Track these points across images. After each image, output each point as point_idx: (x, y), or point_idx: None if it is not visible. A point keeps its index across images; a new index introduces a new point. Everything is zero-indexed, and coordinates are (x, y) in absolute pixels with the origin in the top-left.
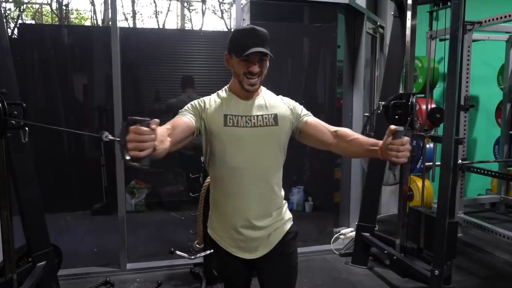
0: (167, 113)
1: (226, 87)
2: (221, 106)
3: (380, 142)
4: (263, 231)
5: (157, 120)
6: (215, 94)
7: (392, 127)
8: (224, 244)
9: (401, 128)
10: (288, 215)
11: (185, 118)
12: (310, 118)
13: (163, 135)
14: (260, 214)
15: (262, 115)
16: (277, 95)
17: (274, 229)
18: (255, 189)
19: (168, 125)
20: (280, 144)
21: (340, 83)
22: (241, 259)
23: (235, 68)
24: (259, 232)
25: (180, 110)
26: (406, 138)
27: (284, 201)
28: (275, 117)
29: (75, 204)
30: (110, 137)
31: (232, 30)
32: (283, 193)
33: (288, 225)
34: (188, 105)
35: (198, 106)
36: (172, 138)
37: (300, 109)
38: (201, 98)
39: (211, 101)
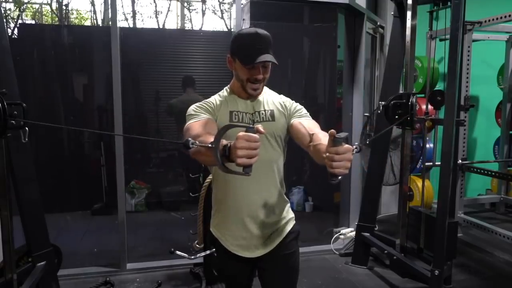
0: (169, 114)
1: (226, 88)
2: (226, 104)
3: None
4: (264, 230)
5: (260, 126)
6: (217, 95)
7: (331, 131)
8: (225, 243)
9: (344, 134)
10: (290, 214)
11: (210, 120)
12: (296, 120)
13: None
14: (263, 208)
15: (259, 112)
16: (279, 94)
17: (275, 229)
18: (258, 183)
19: (203, 129)
20: (277, 139)
21: (340, 83)
22: (242, 258)
23: (239, 73)
24: (261, 230)
25: (191, 113)
26: (346, 146)
27: (287, 200)
28: (272, 113)
29: (75, 204)
30: (197, 144)
31: (233, 31)
32: (285, 190)
33: (290, 225)
34: (198, 107)
35: (208, 107)
36: None
37: (293, 108)
38: (204, 100)
39: (216, 100)
